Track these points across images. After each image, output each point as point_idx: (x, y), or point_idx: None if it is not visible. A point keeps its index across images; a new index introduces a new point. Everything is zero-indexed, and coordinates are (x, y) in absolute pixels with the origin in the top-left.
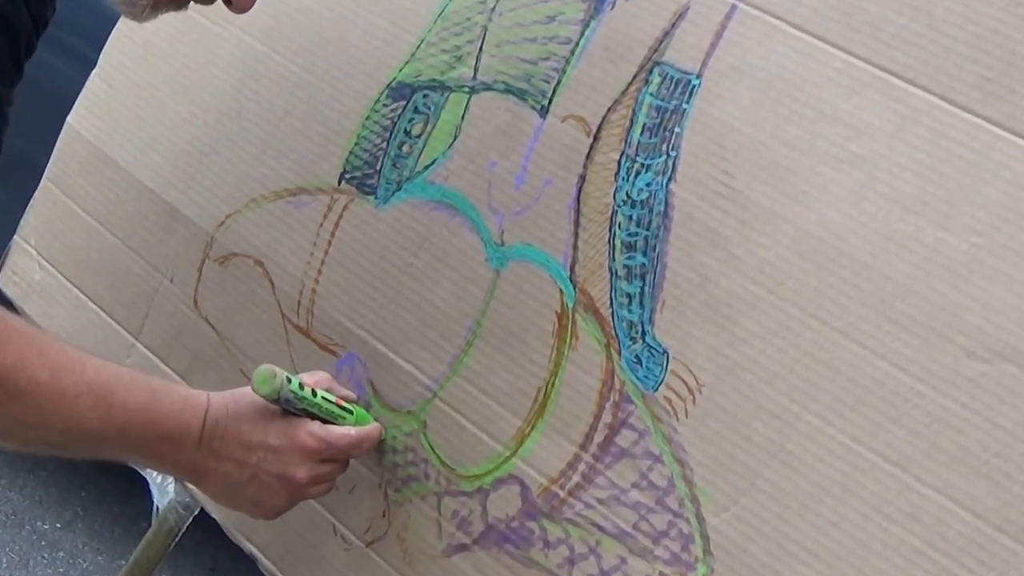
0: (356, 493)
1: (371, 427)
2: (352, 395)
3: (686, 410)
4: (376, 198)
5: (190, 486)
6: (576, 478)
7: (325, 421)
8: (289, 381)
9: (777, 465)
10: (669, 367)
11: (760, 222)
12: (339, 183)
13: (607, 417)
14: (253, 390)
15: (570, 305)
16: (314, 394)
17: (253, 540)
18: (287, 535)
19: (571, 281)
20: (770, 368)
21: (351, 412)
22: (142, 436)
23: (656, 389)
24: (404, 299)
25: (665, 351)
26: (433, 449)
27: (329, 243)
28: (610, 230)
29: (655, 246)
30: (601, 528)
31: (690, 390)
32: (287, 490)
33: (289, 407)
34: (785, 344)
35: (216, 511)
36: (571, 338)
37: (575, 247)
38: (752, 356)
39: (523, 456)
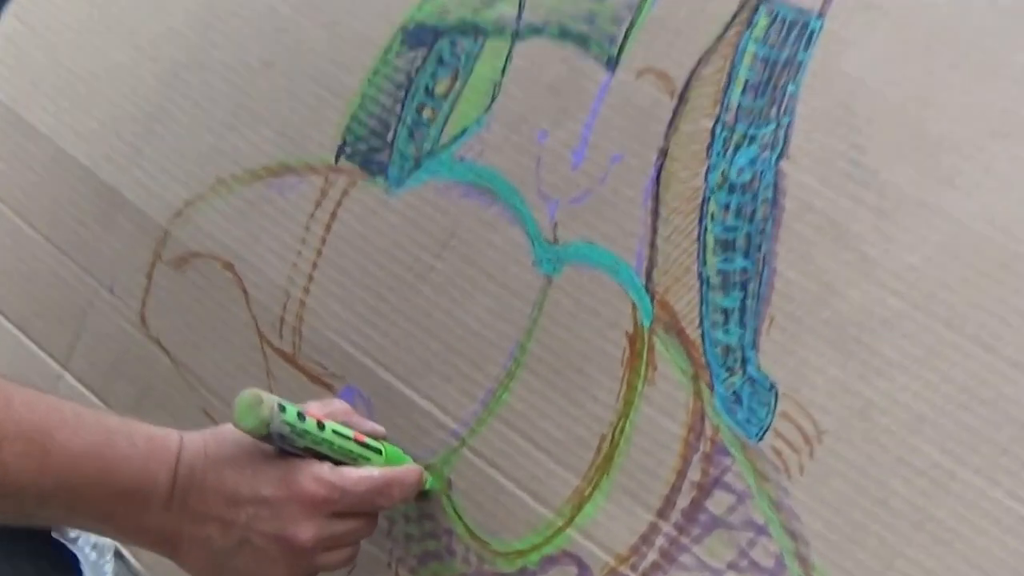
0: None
1: (407, 468)
2: (380, 429)
3: (801, 466)
4: (386, 180)
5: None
6: (653, 555)
7: (338, 463)
8: (283, 410)
9: (923, 539)
10: (779, 407)
11: (902, 214)
12: (337, 160)
13: (694, 474)
14: (235, 424)
15: (645, 324)
16: (320, 427)
17: None
18: None
19: (647, 292)
20: (915, 409)
21: (379, 451)
22: (92, 491)
23: (761, 437)
24: (423, 315)
25: (773, 386)
26: (460, 516)
27: (323, 240)
28: (700, 223)
29: (760, 245)
30: None
31: (807, 439)
32: (288, 557)
33: (287, 446)
34: (936, 377)
35: None
36: (647, 369)
37: (652, 246)
38: (891, 393)
39: (581, 526)
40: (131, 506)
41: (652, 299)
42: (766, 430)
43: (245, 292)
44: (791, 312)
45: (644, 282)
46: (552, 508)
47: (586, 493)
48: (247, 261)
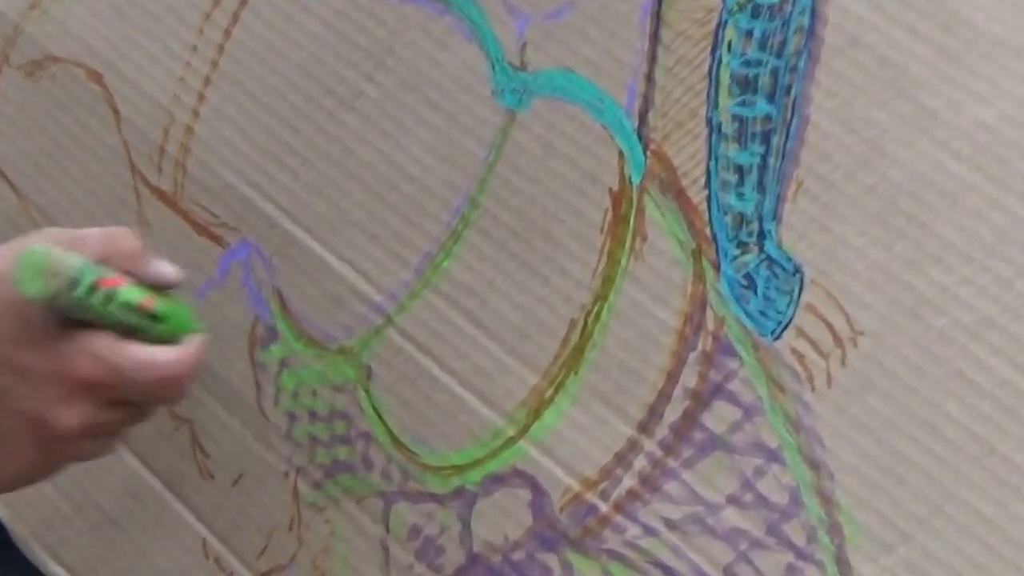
0: (244, 488)
1: (191, 345)
2: (170, 274)
3: (829, 375)
4: None
5: None
6: (630, 481)
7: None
8: (75, 283)
9: (982, 478)
10: (803, 297)
11: (976, 56)
12: None
13: (689, 379)
14: (16, 285)
15: (635, 180)
16: (109, 299)
17: (64, 559)
18: (123, 554)
19: (639, 138)
20: (980, 310)
21: (159, 318)
22: None
23: (779, 335)
24: (345, 154)
25: (798, 269)
26: (381, 417)
27: (220, 49)
28: (713, 54)
29: (789, 86)
30: (670, 571)
31: (839, 340)
32: (39, 444)
33: (67, 314)
34: (1009, 270)
35: None
36: (634, 238)
37: (649, 79)
38: (950, 287)
39: (538, 438)
40: None
41: (645, 148)
42: (786, 326)
43: (116, 111)
44: (825, 175)
45: (636, 126)
46: (501, 412)
47: (546, 395)
48: (120, 71)
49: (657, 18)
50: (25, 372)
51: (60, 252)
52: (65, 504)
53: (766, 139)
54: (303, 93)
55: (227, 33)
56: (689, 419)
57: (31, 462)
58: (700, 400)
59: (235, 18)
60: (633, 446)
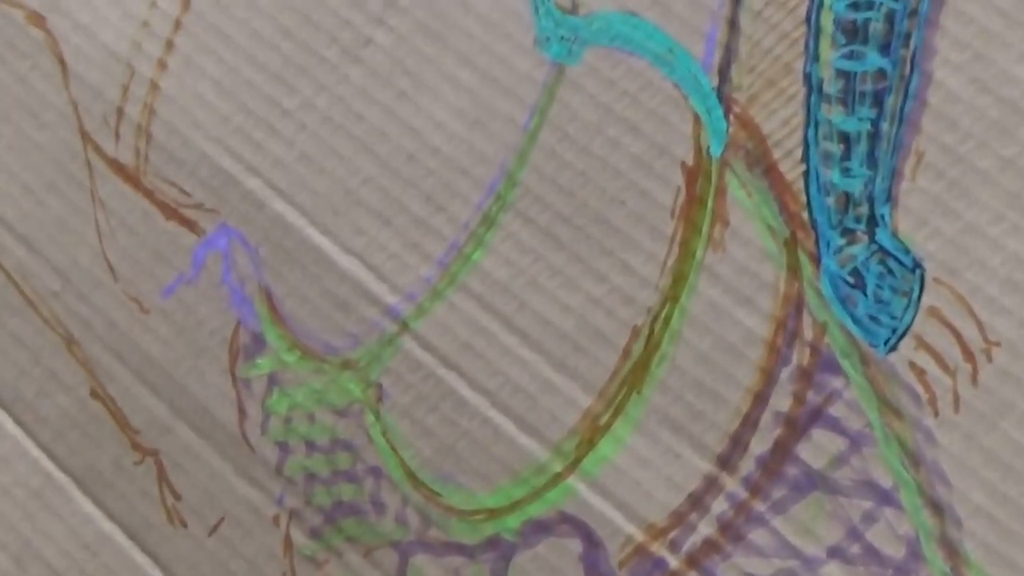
0: (224, 537)
1: None
2: None
3: (957, 396)
4: None
5: None
6: (707, 528)
7: None
8: None
9: None
10: (925, 300)
11: None
12: None
13: (781, 402)
14: None
15: (715, 153)
16: None
17: None
18: None
19: (720, 100)
20: None
21: None
22: None
23: (894, 347)
24: (350, 118)
25: (918, 264)
26: (394, 448)
27: None
28: None
29: (908, 35)
30: None
31: (969, 353)
32: None
33: None
34: None
35: None
36: (713, 223)
37: (733, 25)
38: None
39: (592, 474)
40: None
41: (727, 113)
42: (903, 335)
43: (63, 63)
44: (952, 146)
45: (716, 84)
46: (546, 442)
47: (602, 421)
48: (68, 14)
49: None
50: None
51: None
52: (2, 557)
53: (879, 100)
54: (297, 40)
55: None
56: (781, 452)
57: None
58: (795, 428)
59: None
60: (711, 485)
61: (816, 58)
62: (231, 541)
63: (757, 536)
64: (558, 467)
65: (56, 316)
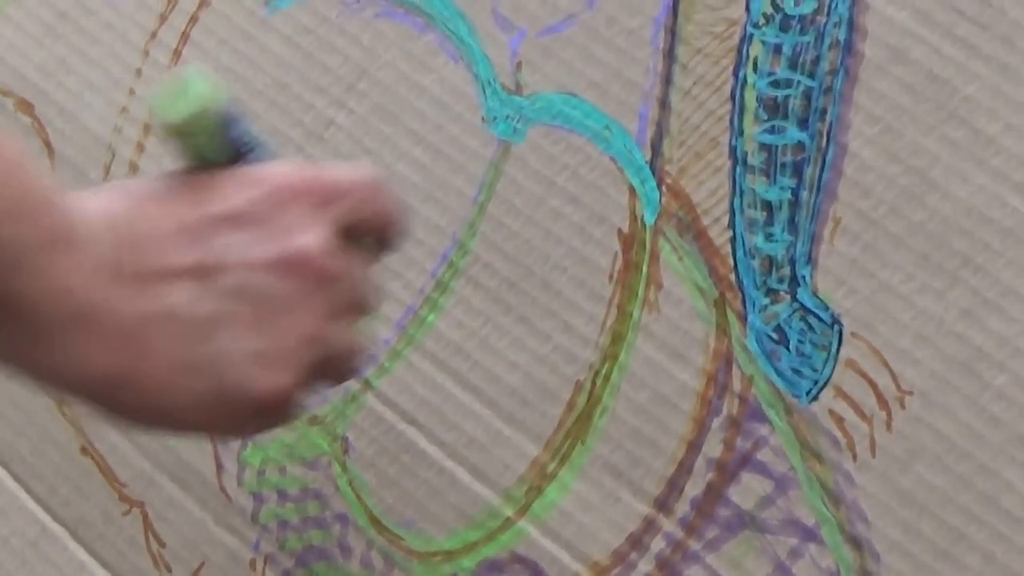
0: None
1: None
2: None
3: (873, 441)
4: None
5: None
6: (646, 566)
7: None
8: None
9: None
10: (843, 353)
11: None
12: None
13: (713, 448)
14: (158, 118)
15: (649, 220)
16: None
17: None
18: None
19: (653, 172)
20: None
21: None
22: None
23: (815, 397)
24: None
25: (836, 320)
26: (359, 496)
27: (170, 70)
28: (736, 74)
29: (824, 110)
30: None
31: (884, 402)
32: (301, 294)
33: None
34: None
35: None
36: (648, 286)
37: (663, 104)
38: (1011, 339)
39: (541, 517)
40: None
41: (660, 183)
42: (823, 386)
43: (49, 146)
44: (866, 211)
45: (649, 157)
46: (498, 489)
47: (549, 469)
48: (54, 101)
49: (672, 33)
50: (240, 215)
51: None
52: None
53: (798, 171)
54: (266, 123)
55: (176, 54)
56: (713, 494)
57: (297, 335)
58: (726, 472)
59: (185, 37)
60: (649, 526)
61: (740, 133)
62: None
63: (693, 572)
64: (509, 512)
65: None
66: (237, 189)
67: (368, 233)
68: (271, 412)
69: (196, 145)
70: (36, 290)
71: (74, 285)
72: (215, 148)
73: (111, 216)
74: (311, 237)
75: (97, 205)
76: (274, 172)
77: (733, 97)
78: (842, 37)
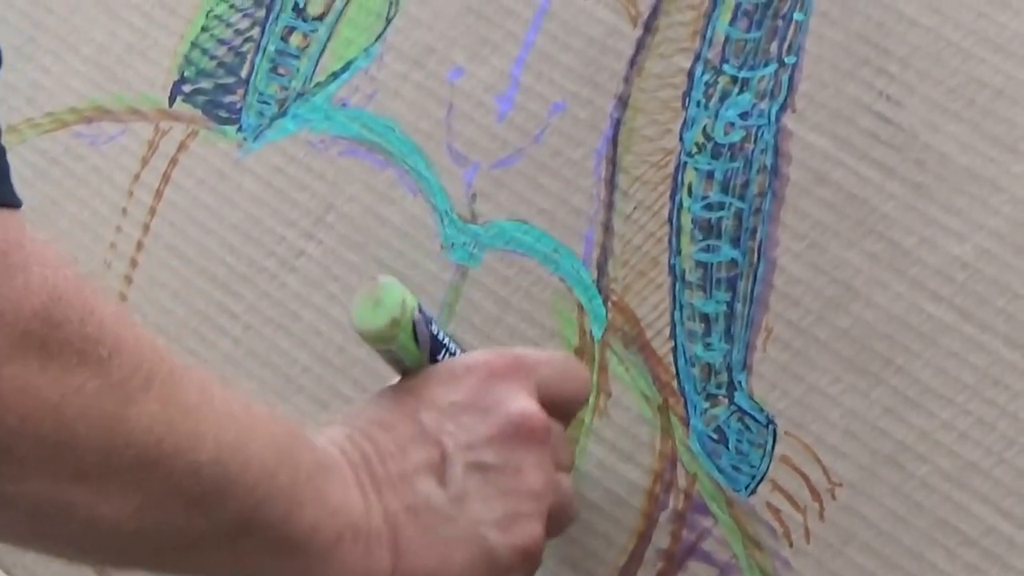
0: None
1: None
2: None
3: (807, 529)
4: (240, 131)
5: None
6: None
7: None
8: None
9: None
10: (777, 450)
11: (948, 190)
12: (171, 102)
13: (662, 540)
14: (356, 327)
15: (596, 335)
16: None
17: None
18: None
19: (599, 290)
20: (963, 456)
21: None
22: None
23: (753, 491)
24: (288, 317)
25: (770, 420)
26: None
27: (152, 211)
28: (673, 199)
29: (755, 229)
30: None
31: (816, 494)
32: (526, 454)
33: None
34: (991, 413)
35: None
36: (597, 395)
37: (607, 228)
38: (931, 433)
39: None
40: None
41: (606, 300)
42: (760, 480)
43: None
44: (795, 321)
45: (595, 277)
46: None
47: None
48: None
49: (612, 163)
50: (462, 407)
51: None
52: None
53: (732, 285)
54: (241, 254)
55: (158, 194)
56: None
57: (535, 505)
58: (673, 561)
59: (166, 178)
60: None
61: (679, 252)
62: None
63: None
64: None
65: None
66: (451, 383)
67: (560, 403)
68: (532, 560)
69: (395, 348)
70: (312, 517)
71: (341, 503)
72: (411, 349)
73: (350, 438)
74: (522, 401)
75: (332, 433)
76: (477, 360)
77: (671, 220)
78: (769, 162)
